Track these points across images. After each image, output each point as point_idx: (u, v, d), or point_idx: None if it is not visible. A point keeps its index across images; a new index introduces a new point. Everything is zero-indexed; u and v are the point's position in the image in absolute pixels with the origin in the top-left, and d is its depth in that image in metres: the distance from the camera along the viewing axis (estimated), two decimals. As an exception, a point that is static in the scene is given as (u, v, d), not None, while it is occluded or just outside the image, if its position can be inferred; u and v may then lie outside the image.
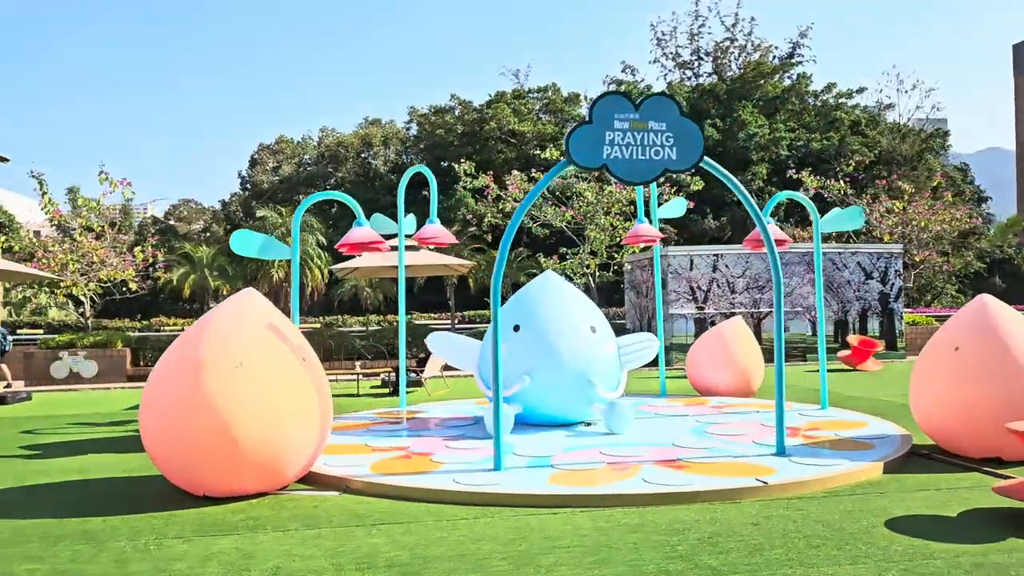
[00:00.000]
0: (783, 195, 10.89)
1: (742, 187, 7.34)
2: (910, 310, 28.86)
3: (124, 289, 19.75)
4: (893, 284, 21.13)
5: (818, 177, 23.81)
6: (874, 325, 21.04)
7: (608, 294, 30.39)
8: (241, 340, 6.24)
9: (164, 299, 30.97)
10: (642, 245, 13.96)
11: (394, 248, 15.42)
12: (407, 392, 14.48)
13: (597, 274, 22.20)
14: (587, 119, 6.78)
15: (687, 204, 12.32)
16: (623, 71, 51.27)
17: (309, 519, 5.62)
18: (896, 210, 23.30)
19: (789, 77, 46.25)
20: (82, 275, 19.57)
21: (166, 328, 24.86)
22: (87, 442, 9.30)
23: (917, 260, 23.23)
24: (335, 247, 10.20)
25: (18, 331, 25.06)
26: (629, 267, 22.42)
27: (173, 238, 45.79)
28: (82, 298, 20.28)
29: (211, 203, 66.73)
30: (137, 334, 21.13)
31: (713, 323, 19.00)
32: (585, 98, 48.32)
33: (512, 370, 8.89)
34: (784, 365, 7.34)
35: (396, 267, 15.50)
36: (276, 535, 5.24)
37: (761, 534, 4.98)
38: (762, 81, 43.41)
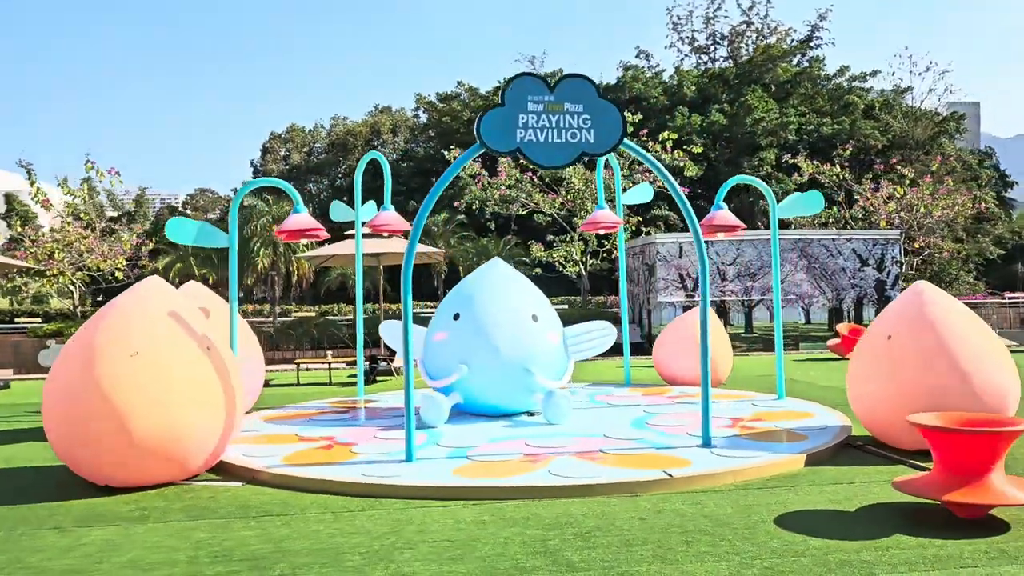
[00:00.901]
0: (737, 179, 10.59)
1: (668, 174, 7.12)
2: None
3: (111, 278, 19.85)
4: (890, 271, 20.69)
5: (815, 163, 23.32)
6: (870, 313, 20.62)
7: (599, 282, 30.13)
8: (139, 329, 6.15)
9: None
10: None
11: (350, 236, 15.32)
12: (380, 381, 14.46)
13: (588, 262, 21.96)
14: (500, 102, 6.59)
15: (653, 189, 12.03)
16: (637, 56, 50.73)
17: (196, 510, 5.53)
18: (897, 196, 22.77)
19: (801, 61, 45.41)
20: (71, 264, 19.71)
21: None
22: (31, 431, 9.30)
23: (917, 246, 22.68)
24: (274, 234, 10.09)
25: (16, 319, 25.38)
26: (630, 255, 22.18)
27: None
28: (70, 287, 20.42)
29: (227, 192, 67.10)
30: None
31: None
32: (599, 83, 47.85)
33: (450, 359, 8.78)
34: (710, 352, 7.13)
35: (371, 255, 15.44)
36: (154, 526, 5.16)
37: (641, 529, 4.81)
38: (772, 65, 42.63)
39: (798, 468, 6.35)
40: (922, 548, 4.37)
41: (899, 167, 23.10)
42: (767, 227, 21.94)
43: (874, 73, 45.16)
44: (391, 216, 10.75)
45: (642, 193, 12.23)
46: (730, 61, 47.27)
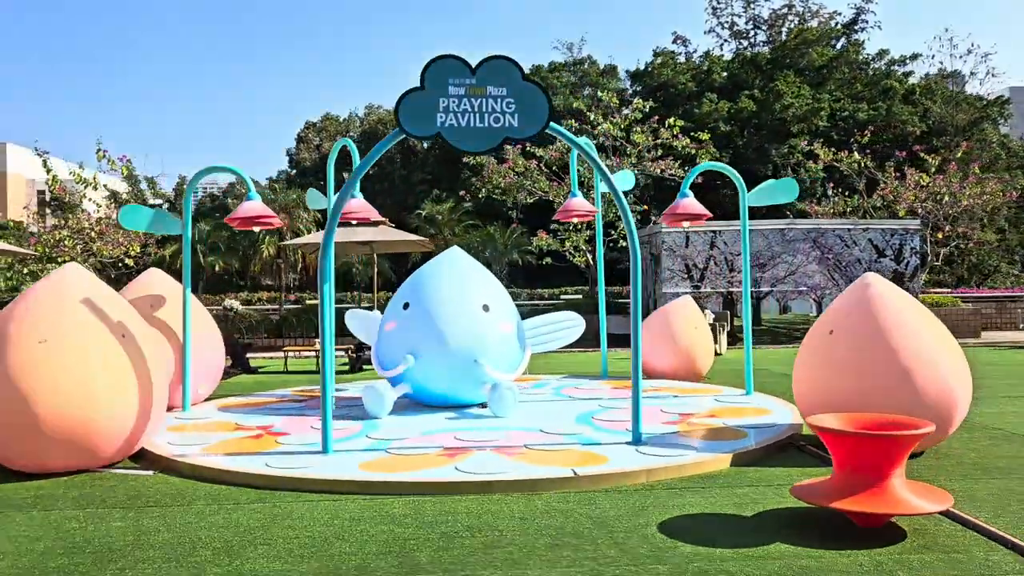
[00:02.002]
0: (705, 166, 10.21)
1: (604, 166, 6.84)
2: (947, 291, 27.29)
3: (120, 265, 20.14)
4: (908, 262, 19.95)
5: (831, 150, 22.52)
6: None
7: (612, 270, 29.62)
8: (50, 316, 6.13)
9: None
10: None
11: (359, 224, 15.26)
12: (367, 369, 14.40)
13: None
14: (419, 84, 6.38)
15: (635, 176, 11.70)
16: (674, 42, 49.78)
17: (87, 499, 5.48)
18: (923, 183, 21.88)
19: (837, 44, 44.05)
20: (83, 251, 20.04)
21: None
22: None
23: (939, 237, 21.80)
24: (224, 220, 10.05)
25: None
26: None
27: (224, 215, 46.64)
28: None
29: (264, 180, 67.90)
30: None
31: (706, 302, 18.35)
32: (625, 71, 47.15)
33: (399, 349, 8.63)
34: (640, 349, 6.86)
35: (360, 243, 15.38)
36: (33, 515, 5.12)
37: (515, 530, 4.60)
38: (807, 49, 41.41)
39: (721, 468, 6.06)
40: (795, 559, 4.08)
41: (923, 154, 22.14)
42: (774, 216, 21.27)
43: (915, 56, 43.58)
44: (359, 203, 10.60)
45: (623, 180, 11.90)
46: (768, 46, 46.12)
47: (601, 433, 7.20)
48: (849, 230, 19.79)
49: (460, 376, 8.49)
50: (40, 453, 6.01)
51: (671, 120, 21.04)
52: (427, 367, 8.48)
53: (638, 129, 21.03)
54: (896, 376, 6.11)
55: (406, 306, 8.76)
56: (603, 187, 11.72)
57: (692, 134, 21.32)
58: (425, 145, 48.60)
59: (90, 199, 20.83)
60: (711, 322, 16.31)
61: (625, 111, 21.77)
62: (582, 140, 11.05)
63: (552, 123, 6.56)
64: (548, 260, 23.66)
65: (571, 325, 10.26)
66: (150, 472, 6.27)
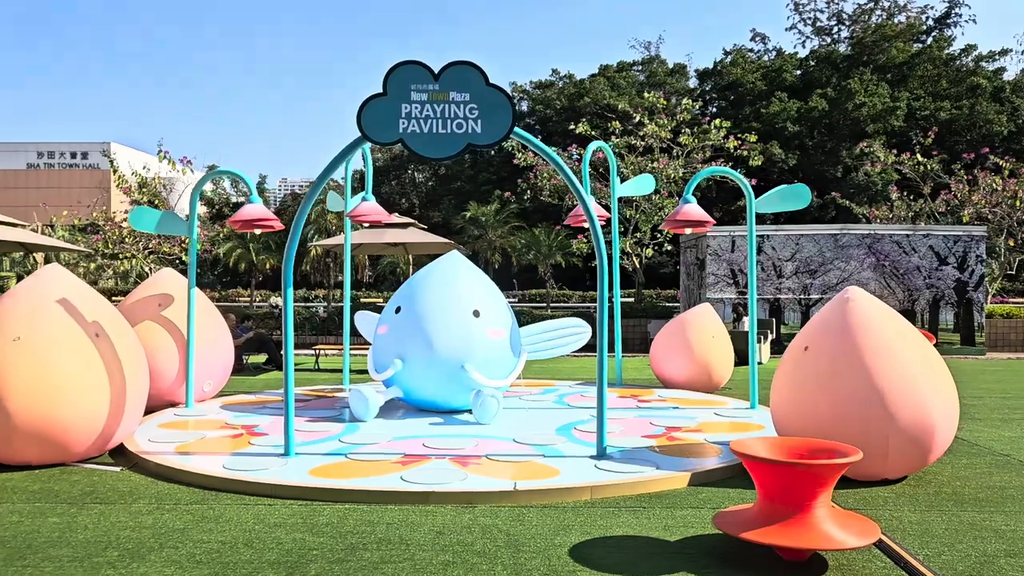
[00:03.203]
0: (710, 171, 9.85)
1: (561, 162, 6.68)
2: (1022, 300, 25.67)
3: (179, 262, 20.95)
4: (973, 271, 18.85)
5: (892, 152, 21.47)
6: (947, 316, 18.90)
7: (654, 274, 29.04)
8: (25, 315, 6.38)
9: (220, 272, 32.90)
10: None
11: (397, 225, 15.45)
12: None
13: (642, 254, 21.25)
14: (381, 91, 6.37)
15: (655, 182, 11.42)
16: (752, 39, 48.63)
17: (43, 494, 5.68)
18: (995, 187, 20.65)
19: (920, 40, 42.09)
20: (144, 248, 20.95)
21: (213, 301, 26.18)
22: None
23: (1011, 244, 20.50)
24: (228, 222, 10.28)
25: (112, 298, 27.34)
26: (683, 248, 21.33)
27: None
28: (145, 269, 21.71)
29: (339, 179, 69.73)
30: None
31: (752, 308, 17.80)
32: (694, 70, 46.24)
33: (389, 353, 8.67)
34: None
35: (391, 244, 15.54)
36: (-14, 507, 5.33)
37: (424, 544, 4.54)
38: (887, 45, 39.72)
39: (676, 487, 5.83)
40: (688, 591, 3.88)
41: (993, 156, 20.85)
42: (806, 222, 20.41)
43: (1004, 52, 41.23)
44: (370, 207, 10.70)
45: (642, 185, 11.64)
46: (849, 42, 44.44)
47: (574, 445, 7.04)
48: (908, 236, 18.84)
49: (447, 381, 8.45)
50: (12, 447, 6.27)
51: (717, 121, 20.47)
52: (415, 372, 8.49)
53: (687, 131, 20.57)
54: (868, 397, 5.76)
55: (398, 310, 8.78)
56: (620, 191, 11.47)
57: (740, 135, 20.66)
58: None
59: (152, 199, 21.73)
60: (746, 330, 15.77)
61: (677, 110, 21.29)
62: (600, 144, 10.87)
63: (516, 129, 6.44)
64: (594, 263, 23.40)
65: (576, 332, 10.11)
66: (118, 468, 6.47)
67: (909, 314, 18.94)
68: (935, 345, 16.21)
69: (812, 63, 40.70)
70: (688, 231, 9.41)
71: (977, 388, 12.23)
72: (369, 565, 4.23)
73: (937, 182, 22.07)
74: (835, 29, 50.00)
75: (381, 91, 6.36)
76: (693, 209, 8.93)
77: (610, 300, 11.86)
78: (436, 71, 6.36)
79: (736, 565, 4.25)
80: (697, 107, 20.98)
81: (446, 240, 16.46)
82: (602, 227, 18.08)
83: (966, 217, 19.75)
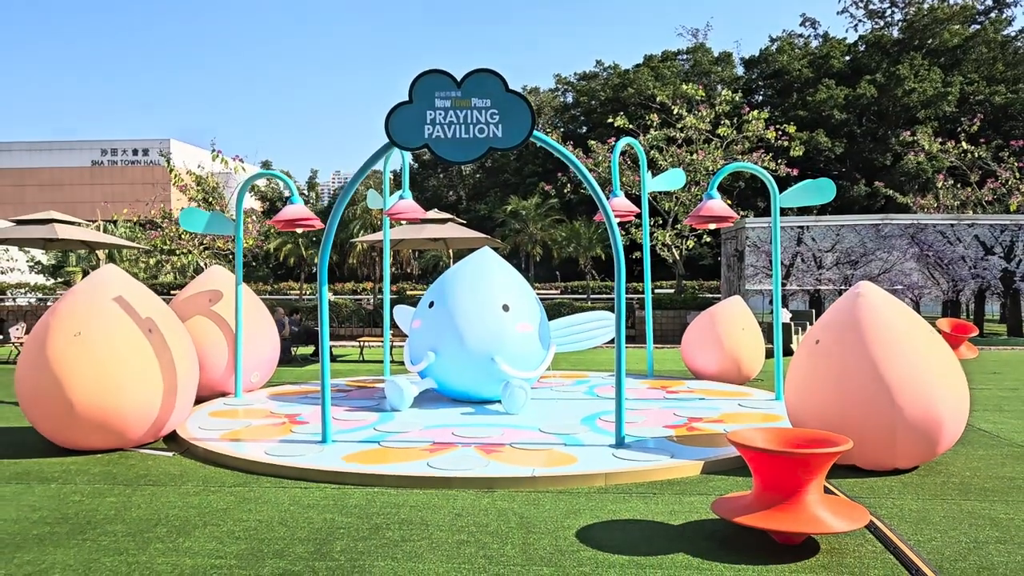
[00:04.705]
0: (733, 167, 9.99)
1: (580, 164, 6.96)
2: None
3: (231, 257, 21.76)
4: (1021, 260, 18.50)
5: (938, 140, 21.09)
6: (993, 307, 18.59)
7: (695, 265, 28.80)
8: (85, 313, 6.94)
9: (273, 266, 33.97)
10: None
11: (435, 221, 15.87)
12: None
13: (682, 246, 21.32)
14: (407, 99, 6.73)
15: (685, 176, 11.59)
16: (801, 24, 47.82)
17: (103, 476, 6.21)
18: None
19: (977, 22, 40.89)
20: (199, 244, 21.81)
21: (264, 294, 26.97)
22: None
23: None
24: (270, 222, 10.75)
25: (171, 292, 28.48)
26: (724, 240, 21.36)
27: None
28: (202, 263, 22.60)
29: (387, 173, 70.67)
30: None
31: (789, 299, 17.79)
32: (739, 58, 45.71)
33: (423, 346, 9.08)
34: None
35: (430, 239, 15.97)
36: (50, 487, 5.88)
37: (442, 525, 4.91)
38: (939, 28, 38.72)
39: (689, 475, 6.10)
40: (681, 569, 4.17)
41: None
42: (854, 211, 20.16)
43: (1066, 32, 39.81)
44: (408, 204, 11.09)
45: (673, 179, 11.84)
46: (902, 24, 43.44)
47: (595, 435, 7.34)
48: (952, 226, 18.57)
49: (478, 373, 8.82)
50: (75, 433, 6.85)
51: (755, 113, 20.40)
52: (447, 364, 8.88)
53: (726, 122, 20.55)
54: (875, 389, 5.94)
55: (431, 305, 9.18)
56: (650, 186, 11.68)
57: (778, 126, 20.55)
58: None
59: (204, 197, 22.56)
60: (786, 321, 15.83)
61: (716, 101, 21.27)
62: (628, 140, 11.06)
63: (536, 132, 6.75)
64: (637, 254, 23.49)
65: (602, 325, 10.39)
66: (171, 454, 7.00)
67: (954, 304, 18.70)
68: (978, 336, 16.10)
69: (861, 48, 39.90)
70: (711, 226, 9.59)
71: (1016, 379, 12.13)
72: (390, 543, 4.62)
73: (985, 170, 21.63)
74: (888, 12, 48.99)
75: (407, 99, 6.73)
76: (716, 205, 9.12)
77: (640, 293, 12.07)
78: (459, 79, 6.70)
79: (732, 549, 4.51)
80: (738, 97, 20.87)
81: (484, 235, 16.84)
82: (633, 221, 18.21)
83: (1013, 205, 19.35)
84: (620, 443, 6.82)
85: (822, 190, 9.17)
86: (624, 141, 11.81)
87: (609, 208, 6.94)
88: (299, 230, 9.70)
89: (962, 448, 6.96)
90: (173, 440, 7.50)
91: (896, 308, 6.36)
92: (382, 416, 8.35)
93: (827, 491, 5.38)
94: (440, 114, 6.69)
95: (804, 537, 4.54)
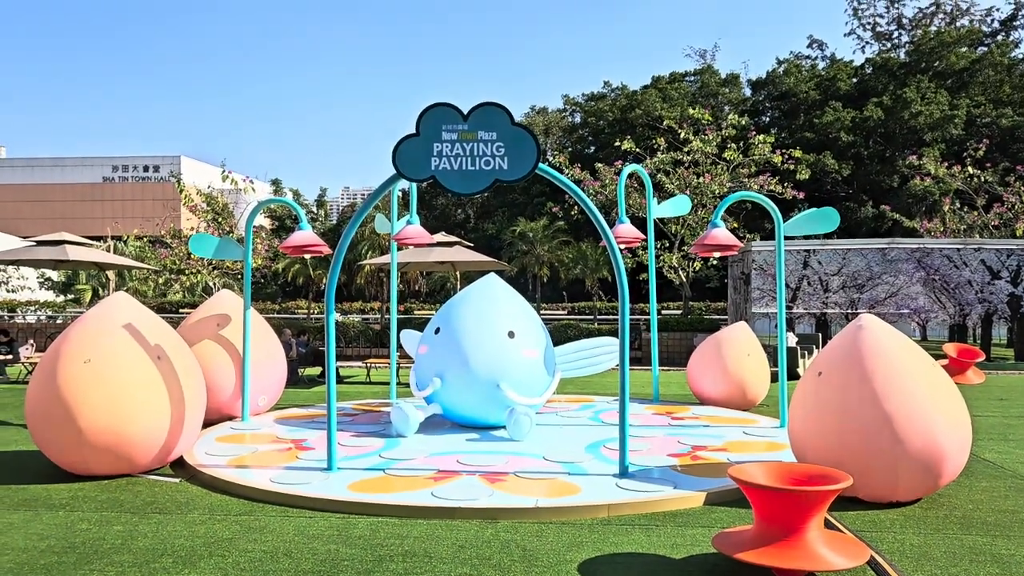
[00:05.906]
0: (737, 196, 10.05)
1: (584, 196, 7.05)
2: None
3: (240, 276, 21.92)
4: (1028, 285, 18.45)
5: (944, 164, 21.14)
6: (1000, 331, 18.55)
7: (702, 287, 28.79)
8: (95, 340, 7.03)
9: (282, 284, 34.15)
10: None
11: (444, 244, 15.97)
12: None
13: (689, 268, 21.36)
14: (414, 131, 6.84)
15: (691, 202, 11.66)
16: (809, 46, 48.05)
17: (110, 504, 6.27)
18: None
19: (984, 44, 41.01)
20: (208, 264, 21.97)
21: (271, 313, 27.16)
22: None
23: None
24: (279, 248, 10.86)
25: (180, 309, 28.66)
26: (730, 262, 21.39)
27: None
28: (210, 283, 22.77)
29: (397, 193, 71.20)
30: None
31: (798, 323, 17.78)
32: (747, 80, 45.93)
33: (429, 372, 9.14)
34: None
35: (437, 262, 16.07)
36: (57, 514, 5.94)
37: (445, 557, 4.95)
38: (946, 51, 38.84)
39: (692, 506, 6.13)
40: (682, 606, 4.20)
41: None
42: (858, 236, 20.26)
43: (1073, 55, 39.88)
44: (415, 230, 11.21)
45: (679, 206, 11.93)
46: (908, 48, 43.60)
47: (599, 463, 7.37)
48: (959, 250, 18.58)
49: (484, 399, 8.87)
50: (83, 459, 6.91)
51: (761, 137, 20.51)
52: (453, 390, 8.94)
53: (732, 146, 20.66)
54: (878, 423, 5.97)
55: (437, 331, 9.25)
56: (656, 212, 11.76)
57: (785, 150, 20.64)
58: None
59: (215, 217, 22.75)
60: (791, 345, 15.84)
61: (723, 125, 21.38)
62: (634, 167, 11.18)
63: (541, 165, 6.85)
64: (644, 276, 23.60)
65: (607, 351, 10.43)
66: (177, 480, 7.06)
67: (961, 329, 18.67)
68: (984, 361, 16.03)
69: (868, 71, 40.03)
70: (716, 255, 9.65)
71: (1023, 406, 12.10)
72: (391, 575, 4.66)
73: (992, 194, 21.64)
74: (895, 34, 49.20)
75: (414, 131, 6.83)
76: (721, 234, 9.19)
77: (647, 315, 12.12)
78: (465, 112, 6.81)
79: (733, 583, 4.54)
80: (744, 120, 21.00)
81: (490, 259, 16.94)
82: (640, 246, 18.29)
83: (1020, 230, 19.36)
84: (624, 473, 6.85)
85: (827, 219, 9.22)
86: (630, 169, 11.90)
87: (611, 236, 7.01)
88: (307, 256, 9.80)
89: (965, 479, 6.97)
90: (180, 466, 7.56)
91: (898, 341, 6.40)
92: (388, 442, 8.41)
93: (829, 524, 5.41)
94: (447, 146, 6.79)
95: (804, 574, 4.56)
